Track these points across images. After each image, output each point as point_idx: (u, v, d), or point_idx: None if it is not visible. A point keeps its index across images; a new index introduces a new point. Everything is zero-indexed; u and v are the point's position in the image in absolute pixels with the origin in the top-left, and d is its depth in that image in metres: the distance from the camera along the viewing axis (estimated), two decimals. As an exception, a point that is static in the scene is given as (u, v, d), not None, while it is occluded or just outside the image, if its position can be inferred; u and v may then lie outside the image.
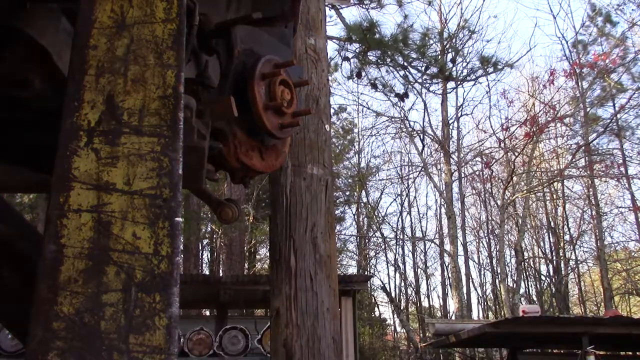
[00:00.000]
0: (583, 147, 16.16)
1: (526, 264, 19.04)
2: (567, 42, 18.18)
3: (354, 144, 19.55)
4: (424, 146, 17.20)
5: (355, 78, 11.44)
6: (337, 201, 18.11)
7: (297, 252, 3.11)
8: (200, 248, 17.52)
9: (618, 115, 16.30)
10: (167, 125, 0.79)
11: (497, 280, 18.53)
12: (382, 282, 19.71)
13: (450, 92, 16.76)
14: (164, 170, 0.76)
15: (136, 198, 0.74)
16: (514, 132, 16.21)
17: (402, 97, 12.05)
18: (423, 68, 11.23)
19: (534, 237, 20.13)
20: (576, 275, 19.66)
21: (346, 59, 10.50)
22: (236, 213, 1.47)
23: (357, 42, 10.02)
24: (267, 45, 1.52)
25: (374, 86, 11.83)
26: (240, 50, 1.38)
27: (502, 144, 16.25)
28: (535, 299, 19.33)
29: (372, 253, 20.27)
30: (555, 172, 17.12)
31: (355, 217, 20.06)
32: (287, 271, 3.09)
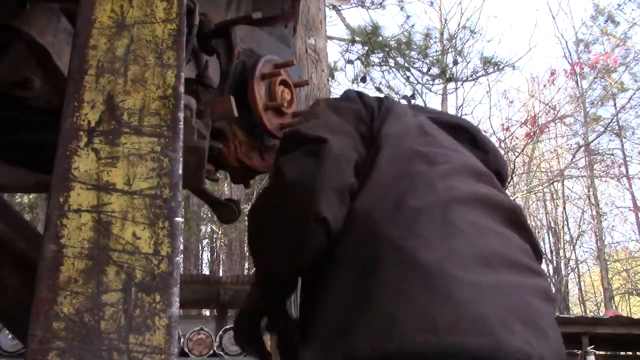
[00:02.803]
0: (583, 147, 16.17)
1: (526, 264, 18.99)
2: (566, 42, 18.20)
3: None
4: (424, 146, 17.16)
5: (360, 82, 11.44)
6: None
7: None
8: (200, 248, 17.51)
9: (618, 115, 16.31)
10: (167, 125, 0.79)
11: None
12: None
13: (451, 93, 16.77)
14: (164, 170, 0.76)
15: (136, 198, 0.74)
16: (514, 132, 16.22)
17: (409, 99, 12.04)
18: (425, 69, 11.24)
19: (534, 237, 20.11)
20: (576, 275, 19.66)
21: (350, 62, 10.50)
22: (236, 213, 1.47)
23: (360, 44, 10.03)
24: (267, 45, 1.52)
25: (378, 90, 11.82)
26: (240, 50, 1.38)
27: (502, 144, 16.26)
28: (535, 299, 19.28)
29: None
30: (556, 172, 17.12)
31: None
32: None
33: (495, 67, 12.24)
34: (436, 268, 0.84)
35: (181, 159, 0.78)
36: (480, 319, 0.80)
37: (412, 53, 10.74)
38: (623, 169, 17.51)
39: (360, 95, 1.18)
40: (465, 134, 1.24)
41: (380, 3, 10.40)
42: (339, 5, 9.75)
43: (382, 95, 1.21)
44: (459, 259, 0.86)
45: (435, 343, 0.75)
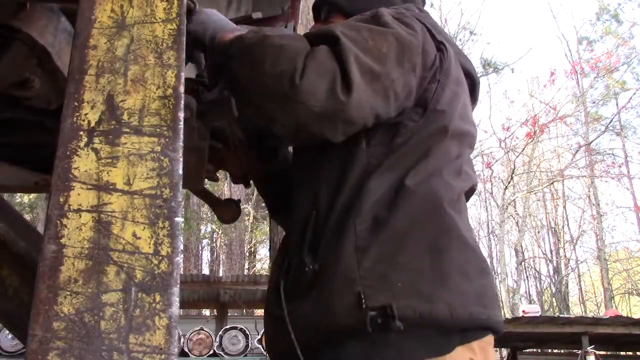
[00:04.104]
0: (584, 147, 16.18)
1: (526, 264, 19.05)
2: (567, 42, 18.20)
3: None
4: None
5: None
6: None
7: (297, 252, 3.10)
8: (200, 248, 17.53)
9: (619, 114, 16.31)
10: (167, 125, 0.79)
11: (497, 280, 18.55)
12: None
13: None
14: (164, 170, 0.76)
15: (136, 198, 0.74)
16: (514, 132, 16.22)
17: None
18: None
19: (534, 237, 20.14)
20: (576, 275, 19.67)
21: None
22: (236, 213, 1.47)
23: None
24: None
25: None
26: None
27: (503, 144, 16.25)
28: (535, 299, 19.34)
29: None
30: (556, 172, 17.13)
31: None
32: (287, 271, 3.09)
33: (495, 69, 12.23)
34: (479, 254, 1.08)
35: (181, 159, 0.78)
36: (497, 296, 1.10)
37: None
38: (624, 168, 17.53)
39: (424, 38, 1.13)
40: (470, 81, 1.29)
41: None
42: (339, 5, 9.74)
43: (439, 38, 1.16)
44: (477, 247, 1.10)
45: (485, 314, 1.02)
